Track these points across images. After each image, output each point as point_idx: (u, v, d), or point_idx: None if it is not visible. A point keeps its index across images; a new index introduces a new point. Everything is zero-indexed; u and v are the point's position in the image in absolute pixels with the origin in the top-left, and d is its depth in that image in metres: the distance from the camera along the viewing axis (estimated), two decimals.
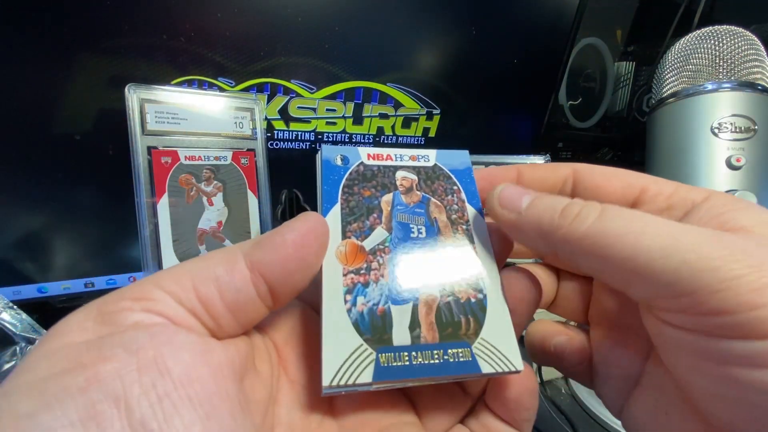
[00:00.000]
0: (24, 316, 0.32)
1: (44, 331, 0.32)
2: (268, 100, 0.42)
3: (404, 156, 0.20)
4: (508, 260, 0.20)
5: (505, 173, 0.21)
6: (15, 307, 0.32)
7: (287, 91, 0.42)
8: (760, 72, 0.43)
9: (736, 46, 0.43)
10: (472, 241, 0.18)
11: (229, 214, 0.33)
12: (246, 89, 0.41)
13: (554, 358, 0.20)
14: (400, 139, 0.50)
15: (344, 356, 0.15)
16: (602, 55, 0.71)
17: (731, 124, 0.42)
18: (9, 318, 0.31)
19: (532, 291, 0.18)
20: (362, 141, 0.49)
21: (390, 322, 0.16)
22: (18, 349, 0.31)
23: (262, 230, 0.35)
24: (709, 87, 0.43)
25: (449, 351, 0.16)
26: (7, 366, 0.31)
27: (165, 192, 0.30)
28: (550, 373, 0.47)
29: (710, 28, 0.45)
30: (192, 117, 0.32)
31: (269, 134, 0.44)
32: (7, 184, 0.35)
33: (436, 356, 0.15)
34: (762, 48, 0.44)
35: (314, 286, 0.16)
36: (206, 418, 0.11)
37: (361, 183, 0.19)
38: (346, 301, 0.16)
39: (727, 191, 0.42)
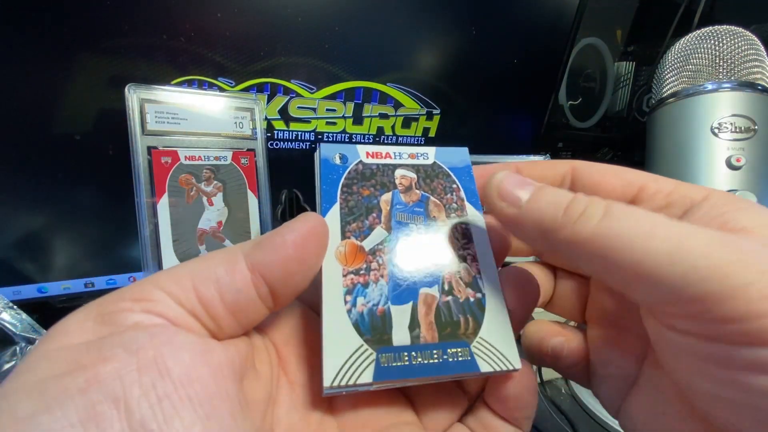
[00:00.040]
0: (24, 316, 0.32)
1: (44, 331, 0.32)
2: (268, 100, 0.42)
3: (403, 154, 0.20)
4: (506, 259, 0.20)
5: (503, 170, 0.20)
6: (15, 307, 0.32)
7: (287, 91, 0.42)
8: (760, 72, 0.43)
9: (736, 46, 0.43)
10: (471, 241, 0.18)
11: (229, 214, 0.33)
12: (246, 89, 0.41)
13: (551, 360, 0.20)
14: (400, 139, 0.50)
15: (345, 357, 0.15)
16: (602, 55, 0.71)
17: (731, 124, 0.42)
18: (9, 318, 0.31)
19: (530, 290, 0.18)
20: (362, 141, 0.49)
21: (390, 323, 0.16)
22: (18, 349, 0.31)
23: (262, 230, 0.35)
24: (709, 87, 0.43)
25: (448, 350, 0.16)
26: (7, 366, 0.31)
27: (165, 192, 0.30)
28: (550, 373, 0.47)
29: (710, 28, 0.45)
30: (192, 117, 0.32)
31: (269, 134, 0.44)
32: (7, 184, 0.35)
33: (435, 356, 0.15)
34: (762, 48, 0.44)
35: (314, 287, 0.16)
36: (206, 418, 0.11)
37: (360, 182, 0.19)
38: (346, 302, 0.16)
39: (727, 191, 0.42)
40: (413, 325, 0.16)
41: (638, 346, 0.18)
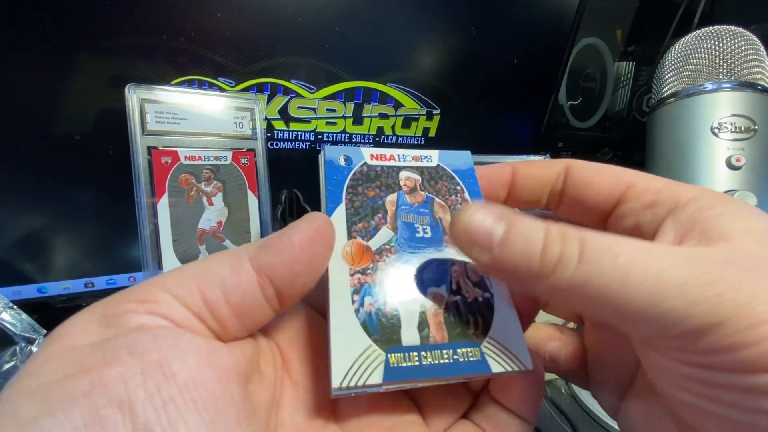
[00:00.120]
0: (24, 316, 0.32)
1: (44, 331, 0.32)
2: (268, 100, 0.42)
3: (407, 156, 0.20)
4: None
5: (501, 171, 0.21)
6: (15, 307, 0.32)
7: (287, 91, 0.42)
8: (760, 72, 0.43)
9: (736, 46, 0.43)
10: None
11: (229, 214, 0.33)
12: (246, 89, 0.41)
13: (549, 364, 0.20)
14: (400, 139, 0.50)
15: (353, 357, 0.15)
16: (602, 55, 0.71)
17: (731, 124, 0.42)
18: (9, 318, 0.31)
19: None
20: (362, 141, 0.49)
21: (398, 322, 0.16)
22: (18, 349, 0.31)
23: (262, 230, 0.35)
24: (709, 87, 0.43)
25: (458, 351, 0.15)
26: (7, 366, 0.31)
27: (165, 192, 0.30)
28: (549, 373, 0.47)
29: (710, 28, 0.45)
30: (192, 117, 0.32)
31: (269, 134, 0.43)
32: (7, 184, 0.35)
33: (445, 356, 0.15)
34: (762, 48, 0.44)
35: (318, 288, 0.16)
36: (211, 422, 0.11)
37: (365, 183, 0.19)
38: (353, 302, 0.16)
39: (727, 191, 0.42)
40: (422, 324, 0.16)
41: (634, 350, 0.18)
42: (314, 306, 0.18)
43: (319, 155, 0.20)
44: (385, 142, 0.50)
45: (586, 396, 0.42)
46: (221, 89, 0.40)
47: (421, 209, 0.19)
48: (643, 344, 0.14)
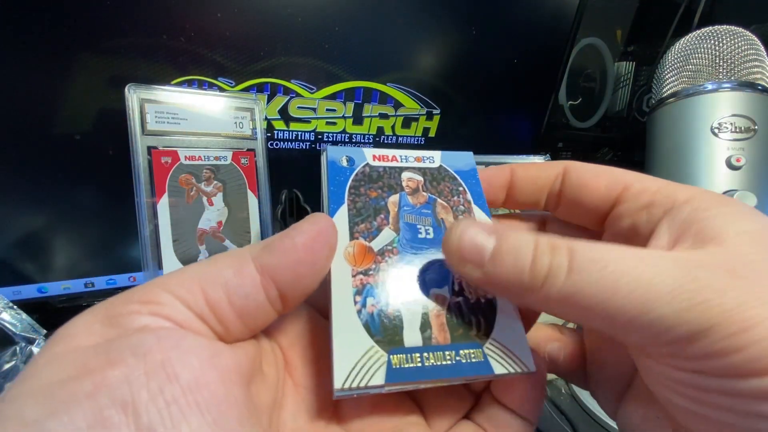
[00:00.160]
0: (24, 316, 0.32)
1: (44, 331, 0.32)
2: (268, 100, 0.42)
3: (409, 157, 0.20)
4: None
5: (499, 173, 0.21)
6: (15, 307, 0.32)
7: (287, 91, 0.42)
8: (760, 72, 0.43)
9: (736, 46, 0.43)
10: None
11: (229, 214, 0.33)
12: (246, 89, 0.41)
13: (548, 364, 0.20)
14: (400, 139, 0.50)
15: (356, 358, 0.14)
16: (602, 55, 0.71)
17: (731, 124, 0.42)
18: (9, 318, 0.31)
19: None
20: (362, 141, 0.49)
21: (401, 323, 0.16)
22: (18, 349, 0.31)
23: (262, 230, 0.35)
24: (709, 87, 0.43)
25: (461, 352, 0.15)
26: (7, 366, 0.31)
27: (165, 192, 0.30)
28: (549, 373, 0.46)
29: (710, 28, 0.45)
30: (192, 117, 0.32)
31: (269, 134, 0.44)
32: (7, 184, 0.35)
33: (448, 357, 0.15)
34: (762, 48, 0.44)
35: (320, 289, 0.16)
36: (214, 423, 0.11)
37: (367, 184, 0.19)
38: (355, 302, 0.16)
39: (727, 191, 0.42)
40: (424, 325, 0.16)
41: None
42: (316, 307, 0.18)
43: (321, 156, 0.20)
44: (385, 142, 0.50)
45: (586, 396, 0.42)
46: (221, 89, 0.40)
47: (423, 210, 0.19)
48: (637, 350, 0.14)
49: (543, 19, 0.52)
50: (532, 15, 0.51)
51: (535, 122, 0.58)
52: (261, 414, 0.14)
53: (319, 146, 0.47)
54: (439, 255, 0.18)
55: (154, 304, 0.13)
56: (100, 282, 0.40)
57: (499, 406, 0.17)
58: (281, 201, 0.43)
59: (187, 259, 0.31)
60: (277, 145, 0.44)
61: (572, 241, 0.14)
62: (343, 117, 0.46)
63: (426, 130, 0.51)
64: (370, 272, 0.16)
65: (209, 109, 0.32)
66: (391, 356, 0.15)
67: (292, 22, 0.40)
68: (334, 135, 0.47)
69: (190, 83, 0.38)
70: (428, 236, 0.18)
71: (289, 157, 0.45)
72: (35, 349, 0.32)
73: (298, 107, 0.44)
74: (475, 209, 0.19)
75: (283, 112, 0.43)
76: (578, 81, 0.71)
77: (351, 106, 0.46)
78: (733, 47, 0.43)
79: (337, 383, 0.14)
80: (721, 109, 0.43)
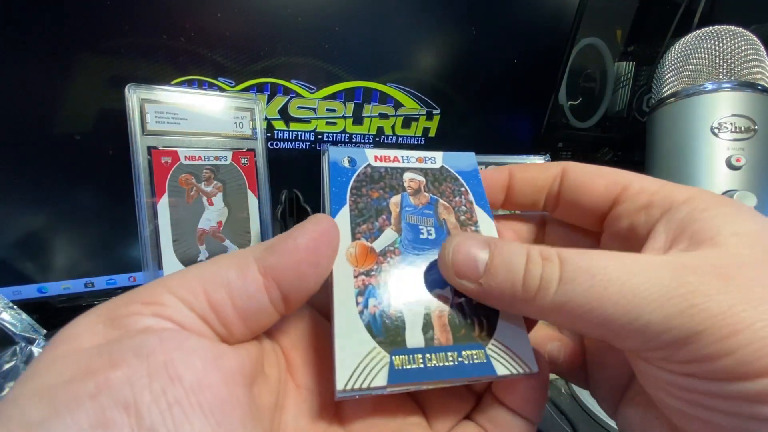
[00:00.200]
0: (24, 316, 0.32)
1: (44, 331, 0.32)
2: (268, 100, 0.42)
3: (411, 158, 0.20)
4: None
5: (498, 175, 0.21)
6: (15, 307, 0.32)
7: (287, 91, 0.42)
8: (760, 72, 0.43)
9: (736, 46, 0.43)
10: None
11: (229, 214, 0.33)
12: (246, 89, 0.41)
13: (548, 365, 0.20)
14: (400, 139, 0.50)
15: (358, 359, 0.14)
16: (602, 55, 0.71)
17: (731, 124, 0.42)
18: (9, 318, 0.31)
19: None
20: (362, 141, 0.49)
21: (403, 324, 0.16)
22: (18, 349, 0.31)
23: (262, 230, 0.35)
24: (709, 87, 0.43)
25: (463, 353, 0.15)
26: (7, 366, 0.31)
27: (165, 192, 0.30)
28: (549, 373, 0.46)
29: (710, 28, 0.45)
30: (192, 117, 0.32)
31: (269, 134, 0.44)
32: (7, 184, 0.35)
33: (450, 358, 0.15)
34: (762, 48, 0.44)
35: (322, 290, 0.16)
36: (216, 425, 0.11)
37: (369, 185, 0.19)
38: (357, 303, 0.16)
39: (726, 191, 0.42)
40: (427, 326, 0.16)
41: None
42: (317, 308, 0.18)
43: (323, 156, 0.19)
44: (385, 142, 0.50)
45: (586, 396, 0.42)
46: (221, 89, 0.40)
47: (425, 211, 0.19)
48: (631, 353, 0.15)
49: (543, 19, 0.52)
50: (532, 15, 0.51)
51: (535, 122, 0.58)
52: (263, 415, 0.14)
53: (319, 146, 0.47)
54: None
55: (157, 305, 0.13)
56: (100, 282, 0.40)
57: (501, 407, 0.17)
58: (281, 201, 0.43)
59: (187, 259, 0.31)
60: (277, 145, 0.44)
61: (563, 250, 0.14)
62: (343, 117, 0.46)
63: (426, 130, 0.51)
64: (372, 273, 0.16)
65: (209, 109, 0.32)
66: (394, 357, 0.15)
67: (292, 22, 0.40)
68: (334, 135, 0.47)
69: (190, 83, 0.38)
70: (430, 237, 0.18)
71: (289, 157, 0.45)
72: (35, 349, 0.32)
73: (298, 107, 0.44)
74: (477, 210, 0.19)
75: (283, 112, 0.43)
76: (578, 81, 0.71)
77: (351, 106, 0.46)
78: (733, 47, 0.43)
79: (339, 384, 0.14)
80: (721, 109, 0.43)
